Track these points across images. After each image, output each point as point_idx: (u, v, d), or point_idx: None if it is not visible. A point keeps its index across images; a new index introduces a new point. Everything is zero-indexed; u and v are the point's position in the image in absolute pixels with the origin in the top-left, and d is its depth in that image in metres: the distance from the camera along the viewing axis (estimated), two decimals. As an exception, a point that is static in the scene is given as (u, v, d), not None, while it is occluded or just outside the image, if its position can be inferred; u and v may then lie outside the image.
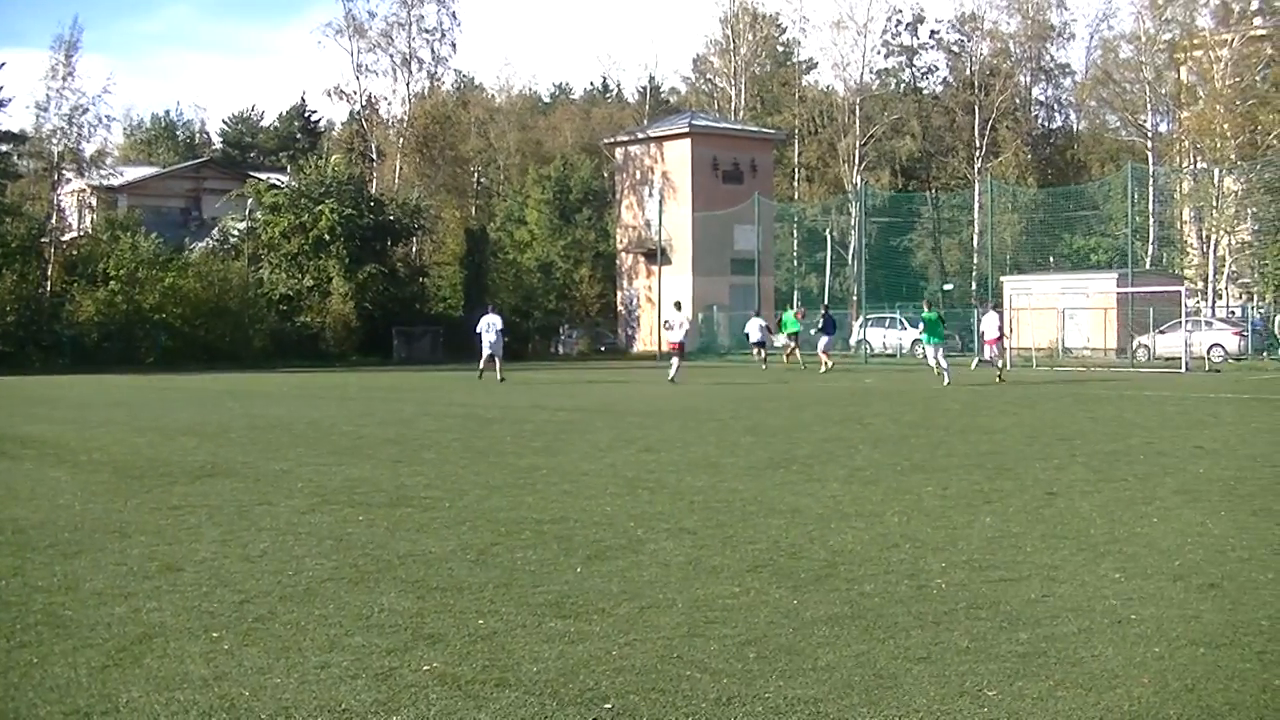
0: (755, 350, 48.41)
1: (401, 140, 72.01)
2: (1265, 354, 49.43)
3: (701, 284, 67.11)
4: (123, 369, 47.56)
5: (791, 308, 50.70)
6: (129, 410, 25.68)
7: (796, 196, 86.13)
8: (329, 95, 77.67)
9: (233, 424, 21.22)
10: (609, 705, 5.48)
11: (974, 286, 73.87)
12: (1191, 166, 67.87)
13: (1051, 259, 72.28)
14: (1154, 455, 14.87)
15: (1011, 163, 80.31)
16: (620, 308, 75.21)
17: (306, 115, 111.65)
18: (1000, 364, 35.29)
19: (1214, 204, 62.17)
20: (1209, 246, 63.90)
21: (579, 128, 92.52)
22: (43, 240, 56.60)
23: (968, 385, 31.74)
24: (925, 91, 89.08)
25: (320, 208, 59.20)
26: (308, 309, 58.66)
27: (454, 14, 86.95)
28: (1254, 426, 19.84)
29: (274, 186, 63.70)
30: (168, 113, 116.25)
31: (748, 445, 16.69)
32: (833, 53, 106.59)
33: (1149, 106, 73.05)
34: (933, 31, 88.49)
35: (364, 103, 74.27)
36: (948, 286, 76.96)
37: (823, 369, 41.71)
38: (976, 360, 37.44)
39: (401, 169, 71.51)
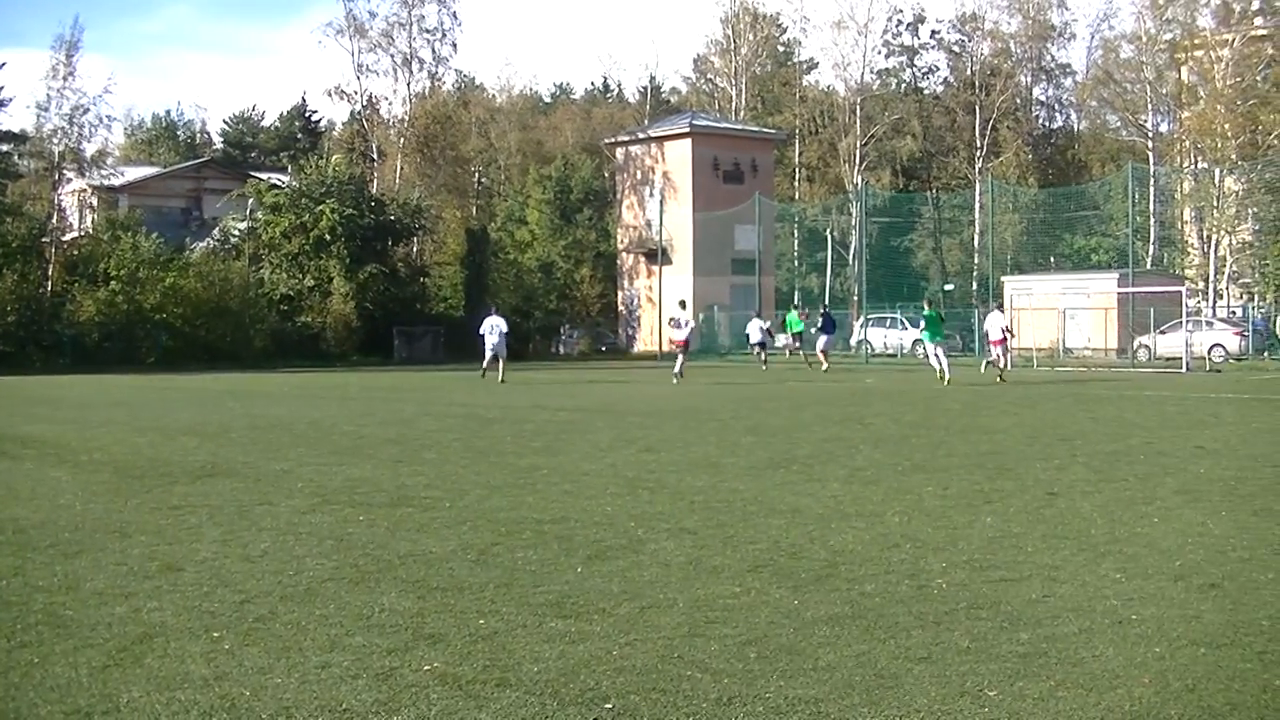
0: (755, 350, 48.47)
1: (402, 140, 72.01)
2: (1266, 354, 49.42)
3: (702, 284, 67.12)
4: (123, 369, 47.57)
5: (795, 308, 50.66)
6: (130, 410, 25.68)
7: (797, 196, 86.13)
8: (330, 95, 77.69)
9: (233, 424, 21.22)
10: (610, 705, 5.48)
11: (975, 287, 73.90)
12: (1192, 166, 67.85)
13: (1052, 259, 72.32)
14: (1155, 455, 14.87)
15: (1012, 163, 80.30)
16: (621, 308, 75.23)
17: (307, 115, 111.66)
18: (1002, 364, 35.26)
19: (1215, 204, 62.16)
20: (1210, 246, 63.89)
21: (580, 128, 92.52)
22: (43, 240, 56.64)
23: (968, 385, 31.73)
24: (926, 91, 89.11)
25: (321, 208, 59.22)
26: (308, 309, 58.68)
27: (455, 14, 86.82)
28: (1255, 426, 19.84)
29: (275, 186, 63.72)
30: (168, 113, 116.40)
31: (748, 445, 16.69)
32: (833, 53, 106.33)
33: (1150, 106, 73.05)
34: (933, 31, 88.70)
35: (365, 103, 74.31)
36: (949, 287, 76.98)
37: (823, 368, 41.73)
38: (985, 362, 37.15)
39: (402, 169, 71.52)
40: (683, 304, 40.42)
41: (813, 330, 45.63)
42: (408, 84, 73.10)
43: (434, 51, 73.59)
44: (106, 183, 62.69)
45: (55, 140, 58.07)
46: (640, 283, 73.10)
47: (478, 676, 5.89)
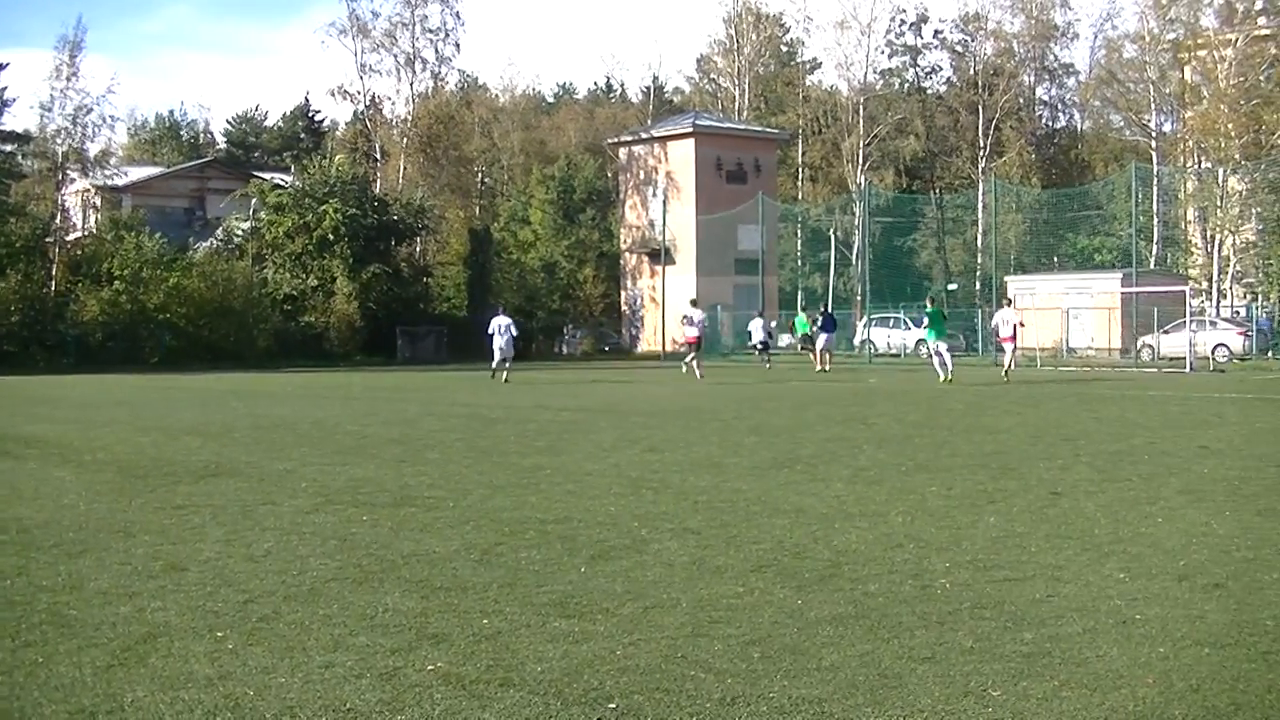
0: (758, 350, 48.56)
1: (405, 140, 72.08)
2: (1270, 354, 49.42)
3: (705, 284, 67.10)
4: (127, 369, 47.62)
5: (804, 311, 50.82)
6: (133, 410, 25.70)
7: (800, 196, 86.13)
8: (333, 95, 77.94)
9: (237, 424, 21.23)
10: (613, 705, 5.47)
11: (978, 286, 73.87)
12: (1196, 166, 67.77)
13: (1056, 259, 72.25)
14: (1158, 455, 14.85)
15: (1015, 162, 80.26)
16: (624, 308, 75.27)
17: (310, 115, 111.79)
18: (1006, 362, 35.21)
19: (1218, 204, 62.10)
20: (1213, 246, 63.84)
21: (583, 128, 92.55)
22: (47, 240, 56.73)
23: (971, 385, 31.72)
24: (929, 91, 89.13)
25: (324, 208, 59.27)
26: (312, 309, 58.75)
27: (457, 14, 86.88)
28: (1259, 426, 19.82)
29: (278, 186, 63.78)
30: (172, 113, 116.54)
31: (751, 445, 16.68)
32: (836, 52, 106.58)
33: (1153, 106, 72.99)
34: (936, 31, 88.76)
35: (368, 103, 74.45)
36: (952, 286, 76.98)
37: (818, 368, 41.71)
38: (1005, 362, 36.45)
39: (405, 169, 71.58)
40: (694, 302, 40.97)
41: (813, 329, 45.66)
42: (411, 84, 73.30)
43: (437, 51, 73.76)
44: (110, 183, 62.84)
45: (59, 140, 58.19)
46: (643, 283, 73.13)
47: (481, 676, 5.89)
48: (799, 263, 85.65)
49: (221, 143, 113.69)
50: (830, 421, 20.90)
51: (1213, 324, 51.77)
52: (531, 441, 17.45)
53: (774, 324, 64.46)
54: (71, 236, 60.21)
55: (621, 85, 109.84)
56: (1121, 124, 79.00)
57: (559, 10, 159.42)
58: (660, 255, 68.45)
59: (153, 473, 14.02)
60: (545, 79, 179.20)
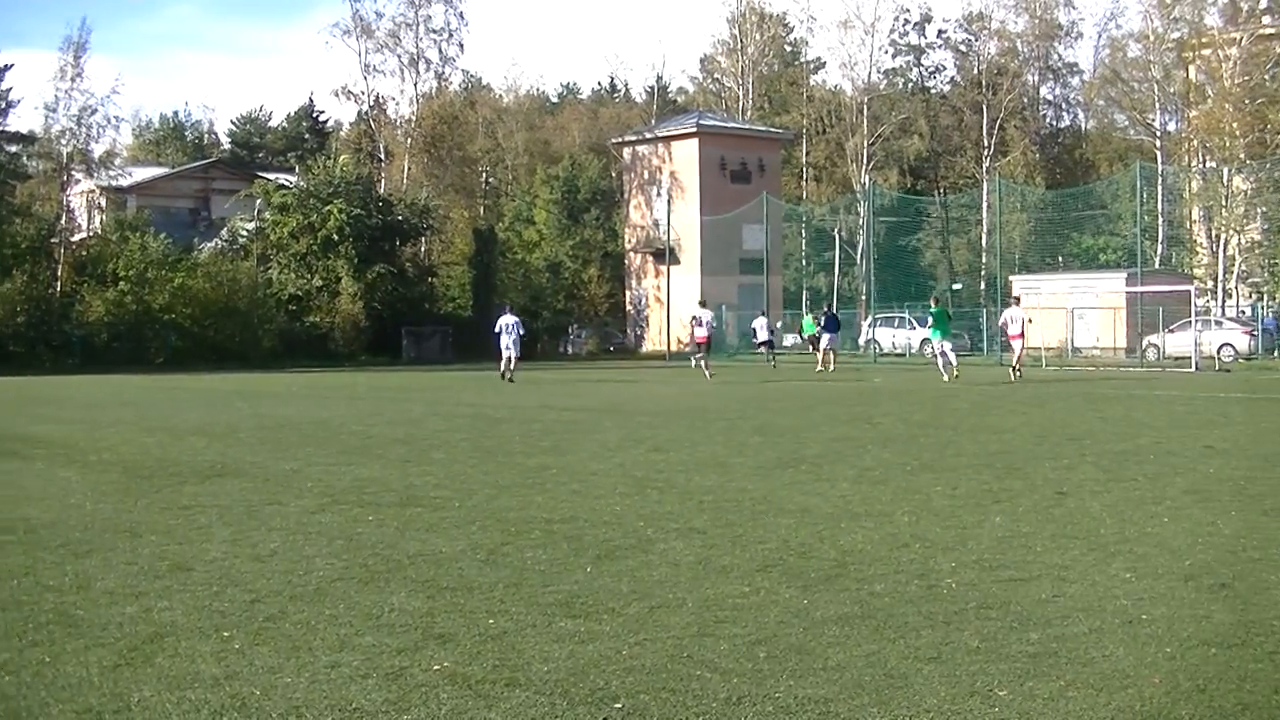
0: (763, 349, 48.65)
1: (409, 140, 72.08)
2: (1276, 353, 49.37)
3: (710, 284, 66.92)
4: (132, 369, 47.67)
5: (811, 311, 50.89)
6: (138, 410, 25.73)
7: (805, 196, 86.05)
8: (337, 95, 78.17)
9: (242, 424, 21.25)
10: (619, 705, 5.48)
11: (983, 286, 73.80)
12: (1200, 165, 67.70)
13: (1060, 258, 72.15)
14: (1164, 455, 14.84)
15: (1020, 162, 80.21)
16: (629, 307, 75.26)
17: (314, 115, 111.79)
18: (1014, 360, 35.17)
19: (1223, 203, 62.02)
20: (1218, 246, 63.77)
21: (587, 127, 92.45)
22: (52, 241, 56.77)
23: (976, 385, 31.71)
24: (933, 91, 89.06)
25: (329, 208, 59.28)
26: (316, 309, 58.78)
27: (461, 14, 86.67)
28: (1265, 426, 19.82)
29: (282, 187, 63.79)
30: (176, 113, 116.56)
31: (756, 445, 16.69)
32: (840, 52, 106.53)
33: (1157, 105, 72.95)
34: (940, 31, 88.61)
35: (372, 103, 74.42)
36: (956, 286, 76.87)
37: (817, 369, 41.68)
38: (1014, 362, 36.27)
39: (410, 169, 71.59)
40: (703, 302, 41.24)
41: (818, 330, 45.67)
42: (415, 84, 73.24)
43: (441, 52, 73.68)
44: (115, 183, 62.83)
45: (63, 141, 58.22)
46: (648, 282, 73.12)
47: (487, 676, 5.89)
48: (803, 263, 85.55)
49: (226, 143, 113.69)
50: (835, 421, 20.90)
51: (1218, 323, 51.72)
52: (537, 441, 17.47)
53: (780, 324, 64.52)
54: (76, 237, 60.26)
55: (625, 85, 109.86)
56: (1126, 123, 78.97)
57: (562, 10, 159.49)
58: (665, 255, 68.43)
59: (158, 473, 14.04)
60: (549, 79, 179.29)
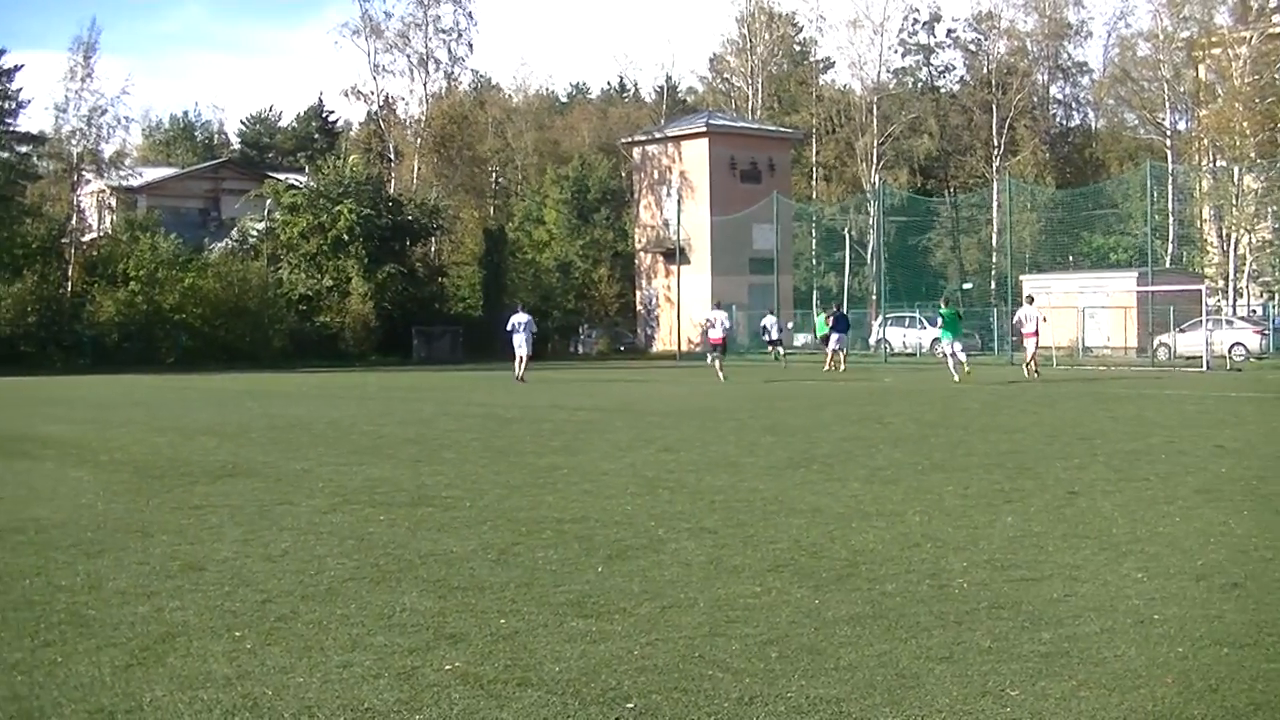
0: (771, 348, 48.72)
1: (419, 140, 72.18)
2: (1287, 353, 49.23)
3: (720, 284, 66.96)
4: (143, 369, 47.77)
5: (823, 311, 50.89)
6: (149, 410, 25.77)
7: (814, 196, 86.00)
8: (346, 96, 78.05)
9: (253, 424, 21.28)
10: (631, 705, 5.48)
11: (993, 286, 73.73)
12: (1211, 165, 67.58)
13: (1071, 258, 72.05)
14: (1175, 454, 14.82)
15: (1030, 161, 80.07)
16: (639, 307, 75.23)
17: (324, 115, 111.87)
18: (1029, 358, 35.11)
19: (1234, 202, 61.93)
20: (1229, 245, 63.65)
21: (596, 127, 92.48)
22: (63, 241, 56.93)
23: (987, 384, 31.66)
24: (943, 90, 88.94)
25: (339, 208, 59.40)
26: (327, 309, 58.88)
27: (470, 14, 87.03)
28: (1276, 426, 19.78)
29: (292, 187, 63.92)
30: (186, 114, 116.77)
31: (767, 444, 16.68)
32: (849, 52, 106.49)
33: (1167, 104, 72.80)
34: (949, 30, 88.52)
35: (381, 103, 74.51)
36: (967, 285, 76.84)
37: (833, 369, 41.63)
38: (1029, 364, 36.07)
39: (419, 169, 71.68)
40: (719, 304, 41.30)
41: (825, 328, 45.66)
42: (424, 84, 73.40)
43: (450, 51, 73.88)
44: (125, 183, 63.00)
45: (74, 141, 58.39)
46: (658, 282, 73.09)
47: (499, 676, 5.90)
48: (814, 262, 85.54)
49: (236, 143, 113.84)
50: (846, 421, 20.89)
51: (1229, 323, 51.59)
52: (548, 441, 17.48)
53: (790, 324, 64.53)
54: (87, 237, 60.40)
55: (635, 85, 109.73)
56: (1136, 122, 78.82)
57: (572, 10, 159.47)
58: (675, 255, 68.42)
59: (169, 473, 14.06)
60: (558, 79, 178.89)
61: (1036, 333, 35.09)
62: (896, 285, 66.67)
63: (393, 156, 73.02)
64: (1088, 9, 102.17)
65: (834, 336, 43.36)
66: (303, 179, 68.03)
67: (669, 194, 72.05)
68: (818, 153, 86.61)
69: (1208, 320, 45.55)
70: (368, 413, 24.02)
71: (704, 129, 72.01)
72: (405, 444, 17.26)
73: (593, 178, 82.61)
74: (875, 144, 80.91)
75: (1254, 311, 58.74)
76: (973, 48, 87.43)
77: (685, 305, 65.66)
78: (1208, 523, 9.84)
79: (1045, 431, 18.30)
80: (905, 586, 7.72)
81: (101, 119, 58.31)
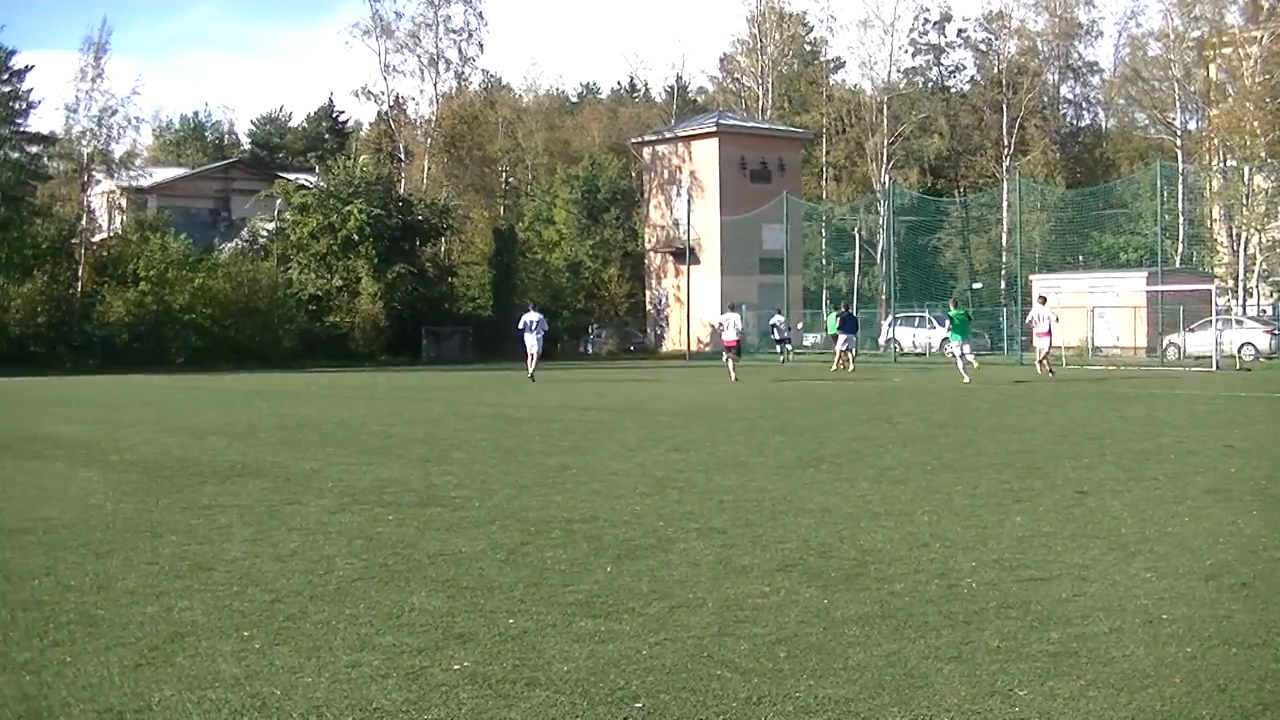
0: (779, 347, 48.83)
1: (429, 140, 72.22)
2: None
3: (730, 283, 66.88)
4: (153, 369, 47.81)
5: (833, 311, 50.87)
6: (159, 410, 25.80)
7: (824, 196, 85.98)
8: (356, 96, 78.27)
9: (262, 424, 21.30)
10: (639, 704, 5.48)
11: (1003, 285, 73.65)
12: (1221, 164, 67.50)
13: (1081, 258, 71.97)
14: (1185, 454, 14.79)
15: (1040, 161, 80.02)
16: (649, 307, 75.20)
17: (334, 116, 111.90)
18: (1041, 357, 35.08)
19: (1244, 202, 61.83)
20: (1239, 244, 63.57)
21: (606, 127, 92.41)
22: (73, 241, 56.98)
23: (996, 384, 31.64)
24: (953, 90, 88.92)
25: (349, 208, 59.42)
26: (337, 309, 58.91)
27: (481, 14, 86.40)
28: (1286, 425, 19.73)
29: (302, 187, 63.96)
30: (196, 114, 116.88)
31: (776, 444, 16.68)
32: (860, 51, 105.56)
33: (1178, 104, 72.70)
34: (960, 30, 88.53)
35: (391, 103, 74.58)
36: (977, 285, 76.76)
37: (841, 368, 41.62)
38: (1043, 362, 35.96)
39: (429, 169, 71.71)
40: (733, 306, 41.33)
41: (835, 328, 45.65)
42: (434, 84, 73.45)
43: (460, 51, 73.89)
44: (135, 184, 63.06)
45: (84, 142, 58.42)
46: (668, 282, 73.08)
47: (507, 676, 5.90)
48: (824, 262, 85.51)
49: (246, 144, 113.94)
50: (855, 421, 20.88)
51: (1239, 322, 51.55)
52: (557, 441, 17.48)
53: (800, 324, 64.50)
54: (97, 238, 60.45)
55: (645, 85, 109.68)
56: (1146, 122, 78.64)
57: (582, 10, 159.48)
58: (685, 255, 68.41)
59: (179, 473, 14.08)
60: (568, 79, 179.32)
61: (1049, 332, 35.13)
62: (906, 285, 66.59)
63: (403, 156, 73.08)
64: (1098, 9, 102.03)
65: (841, 337, 43.33)
66: (313, 179, 68.08)
67: (679, 194, 72.03)
68: (828, 153, 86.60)
69: (1217, 320, 45.48)
70: (377, 413, 24.04)
71: (714, 129, 71.97)
72: (414, 444, 17.28)
73: (603, 177, 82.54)
74: (885, 144, 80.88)
75: (1264, 311, 58.64)
76: (983, 47, 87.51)
77: (695, 305, 65.65)
78: (1217, 523, 9.83)
79: (1054, 431, 18.29)
80: (914, 586, 7.72)
81: (112, 119, 58.38)
